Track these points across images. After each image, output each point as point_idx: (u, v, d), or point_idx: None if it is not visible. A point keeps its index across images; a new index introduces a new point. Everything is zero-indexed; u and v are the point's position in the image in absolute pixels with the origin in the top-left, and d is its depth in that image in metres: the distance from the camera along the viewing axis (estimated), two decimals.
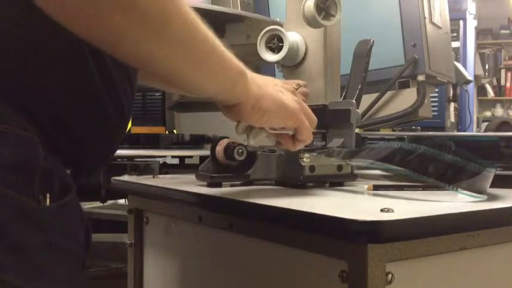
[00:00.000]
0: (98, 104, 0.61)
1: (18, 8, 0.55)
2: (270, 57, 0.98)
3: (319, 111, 0.86)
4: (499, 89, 5.88)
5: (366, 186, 0.81)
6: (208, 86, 0.63)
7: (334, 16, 0.91)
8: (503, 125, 2.22)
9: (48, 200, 0.54)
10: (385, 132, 1.55)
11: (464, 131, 3.32)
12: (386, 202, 0.68)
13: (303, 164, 0.80)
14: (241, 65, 0.65)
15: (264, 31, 0.97)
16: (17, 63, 0.55)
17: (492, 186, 0.71)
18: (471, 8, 4.46)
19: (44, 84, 0.56)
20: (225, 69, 0.62)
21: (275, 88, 0.72)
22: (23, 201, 0.51)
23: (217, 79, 0.62)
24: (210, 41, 0.59)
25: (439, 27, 1.36)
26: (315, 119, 0.76)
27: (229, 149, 0.80)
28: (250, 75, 0.67)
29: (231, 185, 0.83)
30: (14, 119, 0.53)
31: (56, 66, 0.57)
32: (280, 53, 0.95)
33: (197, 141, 1.62)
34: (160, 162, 1.60)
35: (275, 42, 0.97)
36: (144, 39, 0.52)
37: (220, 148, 0.81)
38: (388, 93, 1.36)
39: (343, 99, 0.97)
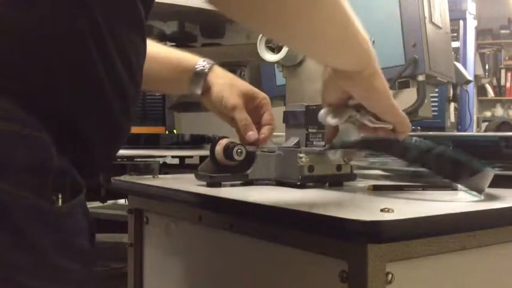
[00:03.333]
0: (106, 104, 0.61)
1: (32, 9, 0.55)
2: (270, 57, 0.98)
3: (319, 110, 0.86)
4: (499, 89, 5.89)
5: (366, 186, 0.81)
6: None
7: None
8: (503, 125, 2.22)
9: (60, 201, 0.54)
10: None
11: (464, 131, 3.32)
12: (386, 202, 0.68)
13: (301, 164, 0.80)
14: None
15: None
16: (29, 65, 0.55)
17: (492, 186, 0.71)
18: (471, 8, 4.46)
19: (54, 85, 0.57)
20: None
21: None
22: (37, 203, 0.51)
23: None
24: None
25: (439, 27, 1.36)
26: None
27: (228, 149, 0.80)
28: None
29: (231, 185, 0.83)
30: (28, 120, 0.53)
31: (65, 67, 0.57)
32: (280, 53, 0.96)
33: (197, 141, 1.62)
34: (160, 162, 1.60)
35: (275, 42, 0.97)
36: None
37: (219, 148, 0.81)
38: None
39: None
